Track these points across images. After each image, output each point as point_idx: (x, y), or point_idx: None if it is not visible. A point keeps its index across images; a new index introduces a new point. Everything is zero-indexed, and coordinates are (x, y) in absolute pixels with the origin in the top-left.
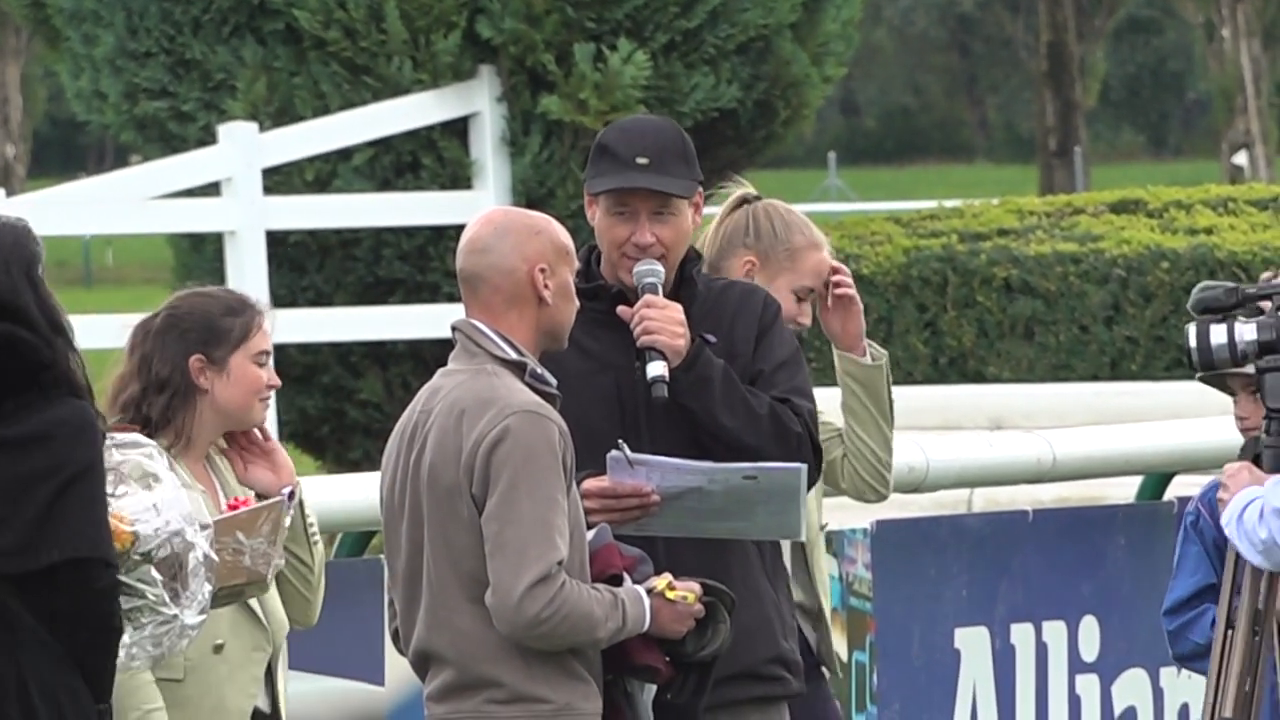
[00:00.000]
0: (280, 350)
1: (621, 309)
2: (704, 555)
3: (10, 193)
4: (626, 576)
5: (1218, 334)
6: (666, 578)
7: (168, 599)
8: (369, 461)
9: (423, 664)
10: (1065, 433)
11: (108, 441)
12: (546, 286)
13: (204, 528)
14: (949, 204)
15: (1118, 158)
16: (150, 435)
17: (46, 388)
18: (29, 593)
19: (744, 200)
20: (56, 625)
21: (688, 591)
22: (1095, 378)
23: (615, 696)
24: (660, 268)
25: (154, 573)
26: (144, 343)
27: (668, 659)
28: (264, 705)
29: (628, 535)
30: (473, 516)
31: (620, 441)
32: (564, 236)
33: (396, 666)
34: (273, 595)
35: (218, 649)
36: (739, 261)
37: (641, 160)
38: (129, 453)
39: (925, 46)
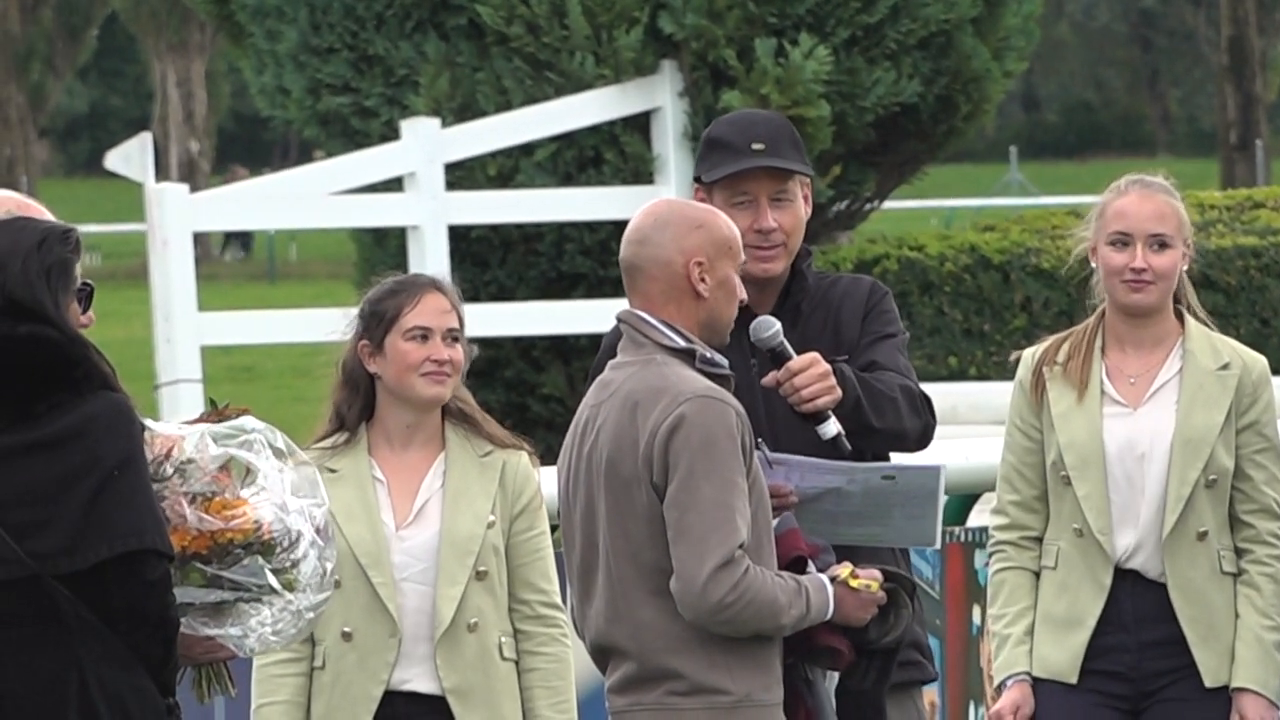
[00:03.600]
0: None
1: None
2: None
3: (195, 188)
4: (810, 563)
5: None
6: (849, 566)
7: (277, 586)
8: (551, 455)
9: (602, 657)
10: None
11: (205, 433)
12: (703, 280)
13: (318, 507)
14: None
15: None
16: (349, 433)
17: (78, 384)
18: (84, 592)
19: None
20: (115, 622)
21: (870, 580)
22: (1277, 372)
23: (795, 682)
24: (775, 321)
25: (260, 561)
26: (343, 350)
27: (849, 644)
28: (430, 688)
29: None
30: (653, 506)
31: (759, 441)
32: (727, 231)
33: (578, 658)
34: (410, 587)
35: (346, 636)
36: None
37: (757, 146)
38: (228, 445)
39: (1106, 41)
